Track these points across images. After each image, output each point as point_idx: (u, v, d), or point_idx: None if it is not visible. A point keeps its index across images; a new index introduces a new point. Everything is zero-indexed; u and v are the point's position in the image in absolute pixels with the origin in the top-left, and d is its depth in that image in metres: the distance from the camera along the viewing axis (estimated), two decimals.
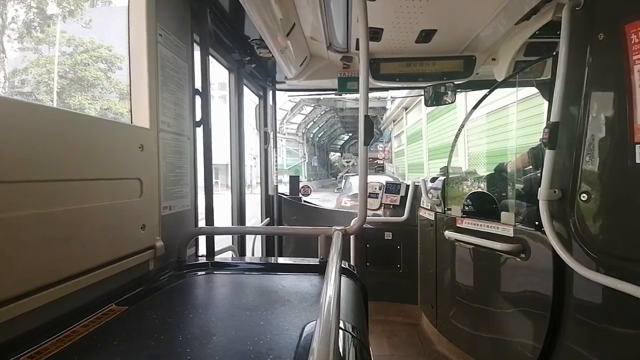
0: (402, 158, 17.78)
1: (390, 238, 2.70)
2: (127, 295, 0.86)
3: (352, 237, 2.64)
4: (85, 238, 0.79)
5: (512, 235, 1.60)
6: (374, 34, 1.82)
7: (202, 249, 1.36)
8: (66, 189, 0.74)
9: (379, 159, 24.98)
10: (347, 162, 31.84)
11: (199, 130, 1.34)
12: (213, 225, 1.40)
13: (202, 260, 1.17)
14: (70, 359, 0.58)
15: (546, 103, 1.69)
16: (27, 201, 0.66)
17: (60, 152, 0.73)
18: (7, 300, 0.62)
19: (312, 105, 19.33)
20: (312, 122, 23.82)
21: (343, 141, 37.06)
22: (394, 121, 19.11)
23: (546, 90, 1.73)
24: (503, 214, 1.70)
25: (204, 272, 1.08)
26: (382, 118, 21.96)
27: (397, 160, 20.14)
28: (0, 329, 0.61)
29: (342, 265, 0.99)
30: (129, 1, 1.02)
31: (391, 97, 15.35)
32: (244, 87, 2.22)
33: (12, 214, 0.62)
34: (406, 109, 14.98)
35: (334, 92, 2.56)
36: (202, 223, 1.37)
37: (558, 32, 1.23)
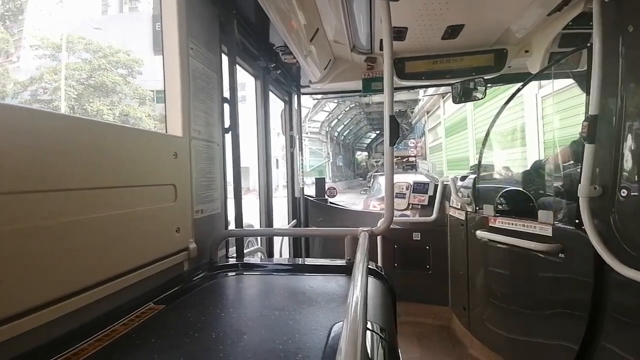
0: (439, 153, 15.57)
1: (419, 239, 2.64)
2: (164, 294, 0.90)
3: (379, 237, 2.61)
4: (124, 241, 0.83)
5: (550, 235, 1.52)
6: (398, 34, 1.80)
7: (232, 250, 1.41)
8: (107, 196, 0.79)
9: (411, 157, 23.20)
10: (376, 162, 31.55)
11: (228, 137, 1.40)
12: (242, 227, 1.45)
13: (233, 261, 1.21)
14: (109, 357, 0.61)
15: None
16: (69, 208, 0.70)
17: (102, 162, 0.78)
18: (51, 301, 0.65)
19: (336, 101, 18.37)
20: (337, 120, 22.77)
21: (370, 139, 35.68)
22: (427, 112, 16.94)
23: (583, 82, 1.63)
24: (541, 212, 1.62)
25: (234, 273, 1.11)
26: (412, 112, 20.36)
27: (432, 156, 17.65)
28: (45, 329, 0.64)
29: (369, 266, 1.00)
30: (162, 19, 1.08)
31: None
32: (270, 92, 2.27)
33: (57, 220, 0.67)
34: (443, 96, 12.92)
35: (358, 93, 2.56)
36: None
37: (591, 23, 1.17)
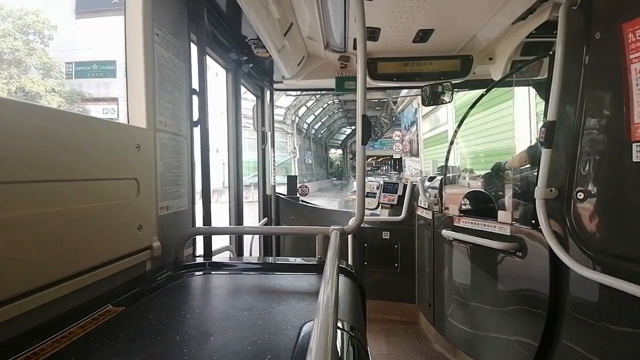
0: (440, 147, 11.26)
1: (388, 237, 2.70)
2: (124, 296, 0.85)
3: (349, 236, 2.64)
4: (81, 239, 0.78)
5: (509, 234, 1.61)
6: (372, 34, 1.82)
7: (200, 249, 1.36)
8: (62, 189, 0.74)
9: (396, 153, 18.68)
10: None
11: (196, 130, 1.34)
12: (210, 225, 1.40)
13: (200, 260, 1.17)
14: (68, 359, 0.58)
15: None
16: (22, 202, 0.65)
17: (56, 152, 0.72)
18: (3, 301, 0.61)
19: None
20: (306, 108, 19.47)
21: (345, 135, 32.72)
22: None
23: (542, 89, 1.74)
24: (500, 212, 1.71)
25: (201, 272, 1.07)
26: (394, 102, 17.94)
27: (429, 151, 13.30)
28: None
29: (340, 265, 1.00)
30: (125, 1, 1.01)
31: None
32: (242, 86, 2.22)
33: (7, 214, 0.62)
34: None
35: (331, 91, 2.57)
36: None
37: (554, 32, 1.23)
